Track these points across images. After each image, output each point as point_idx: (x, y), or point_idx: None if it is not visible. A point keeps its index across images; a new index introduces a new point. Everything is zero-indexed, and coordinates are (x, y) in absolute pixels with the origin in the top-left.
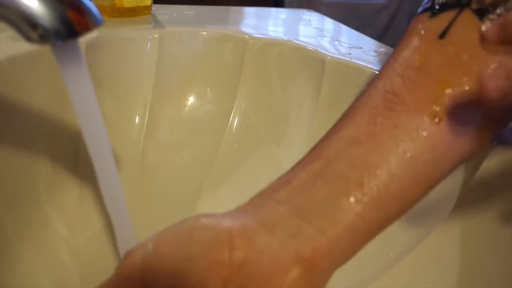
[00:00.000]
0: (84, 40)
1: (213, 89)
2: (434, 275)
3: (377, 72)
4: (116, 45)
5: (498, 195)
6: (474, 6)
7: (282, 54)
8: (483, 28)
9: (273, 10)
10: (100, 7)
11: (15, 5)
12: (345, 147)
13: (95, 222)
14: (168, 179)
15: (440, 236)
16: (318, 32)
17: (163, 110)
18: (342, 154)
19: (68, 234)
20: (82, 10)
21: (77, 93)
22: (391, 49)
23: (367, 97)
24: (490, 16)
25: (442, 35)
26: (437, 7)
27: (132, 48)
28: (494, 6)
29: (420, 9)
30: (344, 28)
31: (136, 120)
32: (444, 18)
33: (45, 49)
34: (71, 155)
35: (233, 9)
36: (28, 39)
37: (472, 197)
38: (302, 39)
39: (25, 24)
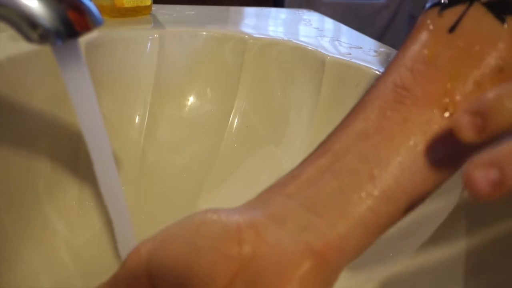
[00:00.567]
0: (84, 40)
1: (213, 89)
2: (434, 274)
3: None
4: (116, 45)
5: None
6: None
7: (282, 54)
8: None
9: (273, 10)
10: (100, 7)
11: (15, 5)
12: (354, 141)
13: (95, 222)
14: (168, 179)
15: (440, 235)
16: (318, 32)
17: (163, 110)
18: (352, 148)
19: (68, 234)
20: (82, 10)
21: (77, 93)
22: (391, 49)
23: (376, 92)
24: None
25: (451, 29)
26: (446, 1)
27: (132, 48)
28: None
29: (428, 4)
30: (344, 28)
31: (136, 120)
32: (454, 12)
33: (45, 49)
34: (71, 155)
35: (233, 9)
36: (28, 39)
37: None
38: (302, 39)
39: (25, 24)
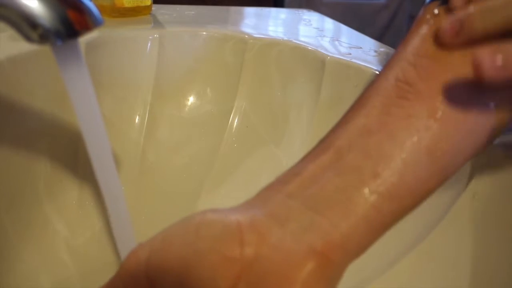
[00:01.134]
0: (84, 40)
1: (213, 89)
2: (434, 274)
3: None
4: (116, 45)
5: (500, 195)
6: None
7: (282, 54)
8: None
9: (273, 10)
10: (100, 7)
11: (15, 5)
12: (357, 137)
13: (95, 222)
14: (168, 179)
15: (441, 235)
16: (318, 32)
17: (163, 110)
18: (354, 145)
19: (68, 234)
20: (82, 10)
21: (77, 93)
22: (391, 49)
23: (378, 87)
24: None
25: None
26: None
27: (132, 48)
28: None
29: None
30: (344, 28)
31: (136, 120)
32: None
33: (45, 49)
34: (71, 155)
35: (233, 9)
36: (28, 39)
37: (472, 197)
38: (302, 39)
39: (25, 24)
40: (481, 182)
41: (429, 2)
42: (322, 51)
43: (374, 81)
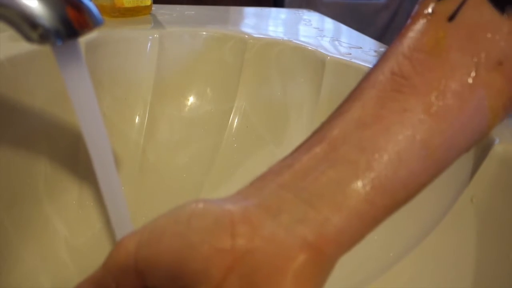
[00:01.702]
0: (84, 40)
1: (213, 89)
2: (434, 275)
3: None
4: (116, 45)
5: (498, 195)
6: None
7: (282, 54)
8: None
9: (273, 10)
10: (100, 7)
11: (15, 5)
12: (352, 130)
13: (95, 222)
14: (168, 179)
15: (440, 235)
16: (318, 32)
17: (163, 110)
18: (349, 137)
19: (68, 234)
20: (82, 10)
21: (77, 93)
22: None
23: (374, 79)
24: None
25: (451, 18)
26: None
27: (132, 48)
28: None
29: None
30: (344, 28)
31: (136, 120)
32: (453, 0)
33: (45, 49)
34: (71, 155)
35: (233, 9)
36: (28, 39)
37: (470, 197)
38: (302, 39)
39: (25, 24)
40: (479, 185)
41: None
42: (322, 51)
43: (369, 74)
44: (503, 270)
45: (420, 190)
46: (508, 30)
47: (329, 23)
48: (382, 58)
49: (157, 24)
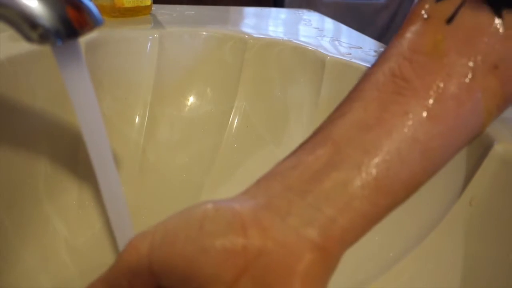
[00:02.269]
0: (84, 40)
1: (213, 89)
2: (434, 275)
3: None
4: (116, 45)
5: (498, 195)
6: None
7: (282, 54)
8: None
9: (273, 10)
10: (100, 7)
11: (15, 5)
12: (355, 132)
13: (95, 222)
14: (168, 179)
15: (439, 236)
16: (318, 32)
17: (163, 110)
18: (353, 140)
19: (68, 234)
20: (82, 10)
21: (77, 93)
22: None
23: (375, 80)
24: None
25: (449, 20)
26: None
27: (132, 48)
28: None
29: None
30: (344, 28)
31: (136, 120)
32: (450, 2)
33: (45, 49)
34: (71, 155)
35: (233, 9)
36: (28, 39)
37: (469, 200)
38: (302, 39)
39: (25, 24)
40: (479, 184)
41: None
42: (322, 51)
43: (369, 73)
44: (503, 270)
45: (418, 188)
46: (504, 33)
47: (329, 23)
48: (381, 58)
49: (157, 24)
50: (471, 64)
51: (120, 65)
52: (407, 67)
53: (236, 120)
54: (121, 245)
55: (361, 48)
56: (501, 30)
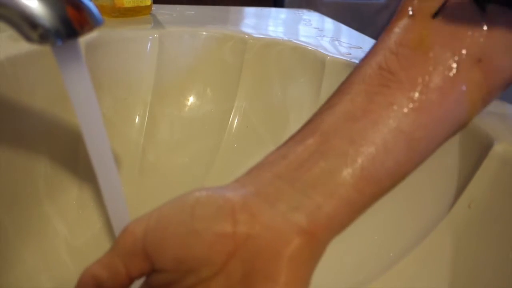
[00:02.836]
0: (84, 40)
1: (213, 89)
2: (434, 275)
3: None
4: (116, 45)
5: (498, 195)
6: None
7: (282, 54)
8: None
9: (273, 10)
10: (100, 7)
11: (15, 5)
12: (342, 122)
13: (95, 222)
14: (168, 179)
15: (439, 236)
16: (318, 32)
17: (163, 110)
18: (340, 130)
19: (68, 234)
20: (82, 10)
21: (77, 93)
22: None
23: (363, 73)
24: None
25: (435, 15)
26: None
27: (132, 48)
28: None
29: None
30: (344, 28)
31: (136, 120)
32: None
33: (45, 49)
34: (71, 155)
35: (233, 9)
36: (28, 39)
37: (470, 200)
38: (302, 39)
39: (25, 24)
40: (479, 184)
41: None
42: (322, 51)
43: (358, 67)
44: (503, 270)
45: (404, 178)
46: (488, 28)
47: (329, 23)
48: (370, 52)
49: (157, 24)
50: (455, 57)
51: (120, 65)
52: (393, 60)
53: (236, 120)
54: None
55: (361, 48)
56: (484, 24)
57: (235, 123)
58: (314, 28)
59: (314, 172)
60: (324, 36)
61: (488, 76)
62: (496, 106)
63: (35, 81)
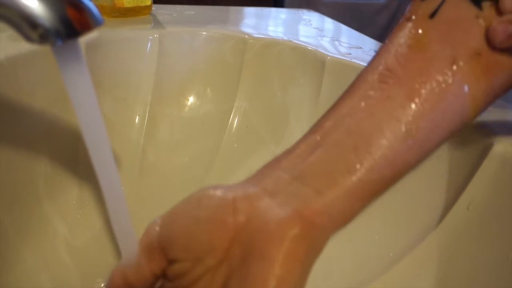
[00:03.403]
0: (84, 40)
1: (213, 89)
2: (434, 274)
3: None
4: (116, 45)
5: (498, 195)
6: None
7: (282, 54)
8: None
9: (273, 10)
10: (100, 7)
11: (15, 5)
12: (342, 118)
13: (95, 222)
14: (168, 179)
15: (439, 236)
16: (318, 32)
17: (163, 110)
18: (339, 124)
19: (68, 234)
20: (82, 10)
21: (77, 93)
22: None
23: (364, 76)
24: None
25: (432, 15)
26: None
27: (132, 48)
28: None
29: None
30: (344, 28)
31: (136, 120)
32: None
33: (45, 49)
34: (71, 155)
35: (233, 9)
36: (28, 39)
37: (469, 200)
38: (302, 39)
39: (25, 24)
40: (479, 184)
41: (413, 1)
42: (322, 51)
43: (362, 71)
44: (502, 270)
45: (407, 168)
46: (485, 23)
47: (329, 23)
48: (373, 58)
49: (157, 24)
50: (452, 52)
51: (120, 65)
52: (392, 59)
53: (236, 120)
54: (121, 245)
55: (361, 48)
56: (481, 20)
57: (235, 123)
58: (314, 28)
59: (314, 162)
60: (324, 36)
61: (488, 70)
62: (496, 106)
63: (35, 81)
